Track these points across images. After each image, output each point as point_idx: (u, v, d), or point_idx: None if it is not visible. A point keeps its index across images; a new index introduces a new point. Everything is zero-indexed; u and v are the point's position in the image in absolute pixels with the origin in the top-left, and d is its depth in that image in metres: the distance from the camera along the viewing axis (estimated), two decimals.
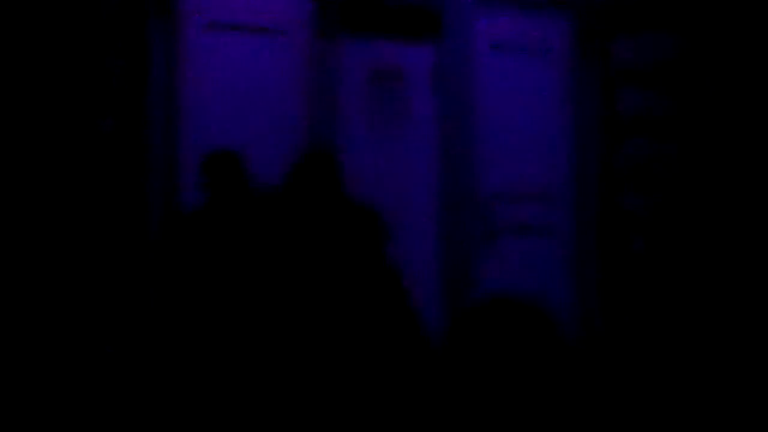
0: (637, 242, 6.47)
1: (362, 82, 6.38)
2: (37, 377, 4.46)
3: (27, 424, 4.16)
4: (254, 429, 3.60)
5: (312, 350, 3.59)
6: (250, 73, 6.18)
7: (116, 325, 5.01)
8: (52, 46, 5.28)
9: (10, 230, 4.92)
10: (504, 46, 6.70)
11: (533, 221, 6.73)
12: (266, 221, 4.53)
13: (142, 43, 5.78)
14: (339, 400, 3.04)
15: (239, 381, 3.85)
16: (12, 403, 4.23)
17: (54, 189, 5.19)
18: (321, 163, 4.74)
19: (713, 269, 6.05)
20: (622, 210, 6.65)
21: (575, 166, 6.86)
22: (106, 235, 5.30)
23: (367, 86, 6.40)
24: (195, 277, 4.58)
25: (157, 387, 4.40)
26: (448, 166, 6.48)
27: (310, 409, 3.42)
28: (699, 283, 6.07)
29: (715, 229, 6.13)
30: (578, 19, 6.85)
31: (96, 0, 5.49)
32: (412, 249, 6.26)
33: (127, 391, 4.52)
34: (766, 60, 6.26)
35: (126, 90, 5.76)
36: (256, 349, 3.93)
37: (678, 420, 4.87)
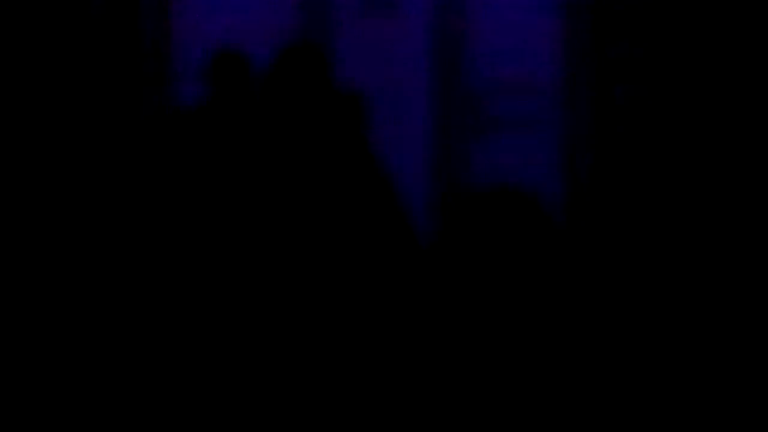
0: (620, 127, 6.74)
1: None
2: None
3: None
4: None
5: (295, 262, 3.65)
6: None
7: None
8: None
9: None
10: None
11: (526, 114, 6.89)
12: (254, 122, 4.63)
13: None
14: (327, 311, 3.09)
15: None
16: None
17: (42, 70, 5.27)
18: (302, 55, 4.83)
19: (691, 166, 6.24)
20: (614, 105, 6.88)
21: (567, 60, 6.99)
22: (98, 119, 5.40)
23: None
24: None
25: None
26: (438, 59, 6.74)
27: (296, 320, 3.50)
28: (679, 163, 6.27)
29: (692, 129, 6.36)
30: None
31: None
32: (403, 141, 6.56)
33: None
34: None
35: None
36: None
37: (655, 298, 5.05)
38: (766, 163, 6.14)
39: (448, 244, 1.93)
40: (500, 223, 1.86)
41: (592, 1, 6.97)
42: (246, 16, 6.35)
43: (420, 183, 6.60)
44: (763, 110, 6.18)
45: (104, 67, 5.67)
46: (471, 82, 6.78)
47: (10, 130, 5.05)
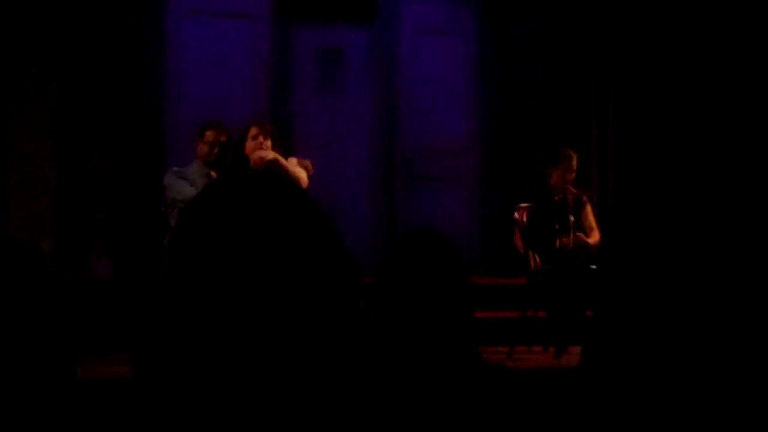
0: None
1: (311, 59, 7.86)
2: None
3: None
4: None
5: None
6: (221, 50, 7.71)
7: None
8: None
9: None
10: (426, 30, 8.11)
11: (447, 171, 8.12)
12: None
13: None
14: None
15: None
16: None
17: None
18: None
19: None
20: (514, 159, 8.15)
21: (481, 126, 8.25)
22: None
23: (315, 62, 7.89)
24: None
25: None
26: (379, 129, 7.92)
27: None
28: None
29: None
30: (483, 6, 8.27)
31: None
32: (352, 193, 7.77)
33: None
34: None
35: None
36: None
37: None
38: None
39: (381, 277, 2.15)
40: (423, 260, 2.13)
41: (497, 98, 8.21)
42: (225, 103, 7.45)
43: (365, 227, 7.75)
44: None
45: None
46: (406, 147, 7.96)
47: None
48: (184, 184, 5.89)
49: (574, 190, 6.67)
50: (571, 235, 6.20)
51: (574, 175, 6.55)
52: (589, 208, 6.55)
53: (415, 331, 2.19)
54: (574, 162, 6.55)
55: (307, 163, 5.89)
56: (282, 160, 5.71)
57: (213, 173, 6.03)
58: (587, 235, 6.35)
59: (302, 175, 5.76)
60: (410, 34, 8.10)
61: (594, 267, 5.82)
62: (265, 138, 5.81)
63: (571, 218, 6.28)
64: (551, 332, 5.95)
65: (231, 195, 1.18)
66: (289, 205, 1.18)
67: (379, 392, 2.10)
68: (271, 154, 5.67)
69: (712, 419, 1.11)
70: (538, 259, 6.26)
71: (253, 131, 5.84)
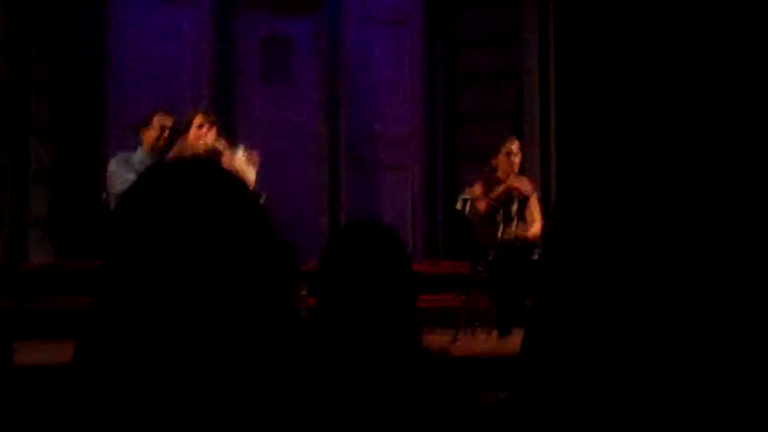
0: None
1: (257, 47, 7.84)
2: None
3: None
4: None
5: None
6: (164, 39, 7.65)
7: None
8: None
9: None
10: (371, 18, 8.13)
11: (393, 160, 8.16)
12: None
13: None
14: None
15: None
16: None
17: None
18: None
19: None
20: (458, 149, 8.27)
21: (424, 115, 8.26)
22: None
23: (261, 51, 7.87)
24: None
25: None
26: (326, 116, 7.91)
27: None
28: None
29: None
30: None
31: None
32: (298, 182, 7.77)
33: None
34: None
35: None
36: None
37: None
38: None
39: (322, 266, 2.17)
40: (364, 250, 2.14)
41: (442, 87, 8.26)
42: (168, 91, 7.38)
43: (311, 215, 7.78)
44: None
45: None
46: (351, 136, 7.97)
47: None
48: (129, 171, 5.83)
49: (519, 182, 6.72)
50: (514, 226, 6.27)
51: (517, 165, 6.60)
52: (533, 199, 6.61)
53: (356, 319, 2.20)
54: (517, 152, 6.60)
55: (254, 155, 5.88)
56: (230, 158, 5.68)
57: (157, 160, 5.99)
58: (529, 225, 6.42)
59: (251, 176, 5.76)
60: (356, 24, 8.10)
61: (535, 257, 5.91)
62: (210, 127, 5.79)
63: (514, 209, 6.35)
64: (494, 317, 6.04)
65: (165, 181, 1.19)
66: (221, 191, 1.19)
67: (320, 379, 2.09)
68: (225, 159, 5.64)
69: (650, 406, 1.13)
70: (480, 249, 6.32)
71: (198, 120, 5.81)
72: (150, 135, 5.97)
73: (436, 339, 5.55)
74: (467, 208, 6.43)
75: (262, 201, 5.79)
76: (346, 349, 2.21)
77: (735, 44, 7.54)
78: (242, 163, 5.74)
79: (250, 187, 5.56)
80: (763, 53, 7.39)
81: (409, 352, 2.29)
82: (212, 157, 5.65)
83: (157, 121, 6.01)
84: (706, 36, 7.69)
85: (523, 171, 6.80)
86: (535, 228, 6.36)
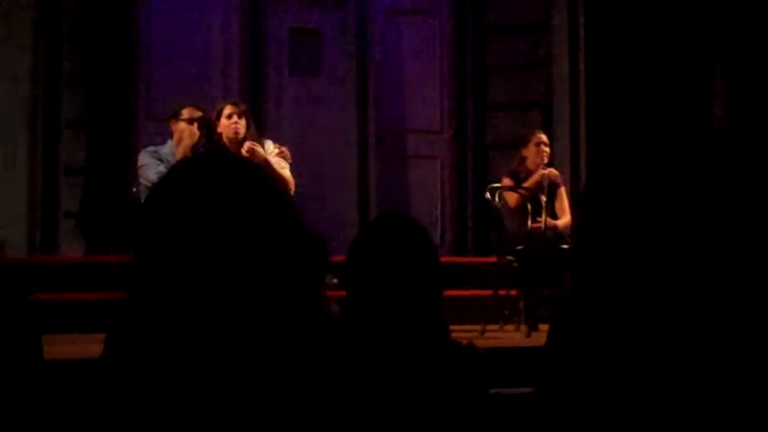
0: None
1: (286, 40, 7.86)
2: None
3: None
4: None
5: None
6: (194, 30, 7.69)
7: None
8: None
9: None
10: (399, 10, 8.16)
11: (422, 151, 8.20)
12: None
13: None
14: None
15: None
16: None
17: None
18: None
19: None
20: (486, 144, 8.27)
21: (454, 105, 8.25)
22: None
23: (290, 43, 7.89)
24: None
25: None
26: (356, 109, 7.88)
27: None
28: None
29: None
30: None
31: None
32: (328, 174, 7.78)
33: None
34: None
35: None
36: None
37: None
38: None
39: (351, 259, 2.22)
40: (388, 241, 2.19)
41: (471, 79, 8.20)
42: (199, 82, 7.48)
43: (341, 206, 7.79)
44: None
45: None
46: (380, 127, 7.94)
47: None
48: (160, 165, 5.86)
49: (549, 172, 6.70)
50: (543, 217, 6.24)
51: (547, 156, 6.58)
52: (562, 190, 6.59)
53: (383, 310, 2.22)
54: (545, 143, 6.58)
55: (285, 150, 5.87)
56: (265, 156, 5.67)
57: (188, 153, 6.00)
58: (559, 217, 6.41)
59: (287, 174, 5.76)
60: (383, 15, 8.08)
61: (565, 247, 5.87)
62: (240, 117, 5.80)
63: (544, 199, 6.32)
64: (524, 310, 6.01)
65: (194, 174, 1.20)
66: (250, 185, 1.19)
67: (351, 371, 2.14)
68: (259, 153, 5.64)
69: (676, 402, 1.12)
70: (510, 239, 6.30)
71: (228, 110, 5.82)
72: (180, 127, 6.02)
73: (464, 334, 5.60)
74: (496, 198, 6.41)
75: (291, 193, 5.84)
76: (375, 341, 2.24)
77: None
78: (283, 172, 5.74)
79: (286, 183, 5.65)
80: None
81: (437, 344, 2.31)
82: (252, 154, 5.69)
83: (187, 113, 6.04)
84: (738, 22, 7.62)
85: (551, 163, 6.76)
86: (566, 218, 6.35)
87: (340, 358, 2.23)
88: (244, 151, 5.62)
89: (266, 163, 5.56)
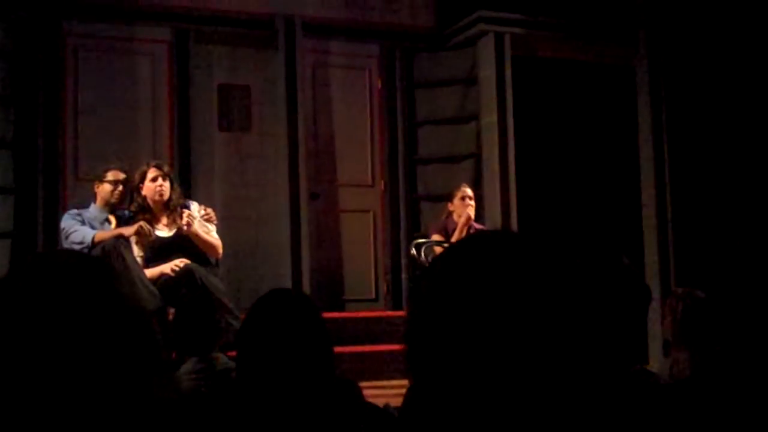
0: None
1: (215, 95, 7.82)
2: None
3: None
4: None
5: None
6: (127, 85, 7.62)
7: None
8: None
9: None
10: (327, 64, 8.19)
11: (356, 204, 8.22)
12: None
13: None
14: None
15: None
16: None
17: None
18: None
19: None
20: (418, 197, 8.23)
21: (387, 158, 8.31)
22: None
23: (219, 99, 7.83)
24: None
25: None
26: (287, 164, 7.67)
27: None
28: None
29: None
30: (389, 43, 8.34)
31: None
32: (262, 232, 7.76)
33: None
34: None
35: None
36: None
37: None
38: None
39: (244, 331, 2.34)
40: (275, 320, 2.31)
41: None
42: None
43: (284, 259, 7.75)
44: None
45: None
46: (314, 181, 7.89)
47: None
48: (84, 227, 5.81)
49: (477, 226, 6.75)
50: None
51: (472, 210, 6.62)
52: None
53: (275, 376, 2.26)
54: (470, 197, 6.63)
55: (210, 212, 5.89)
56: (196, 232, 5.68)
57: (111, 217, 5.96)
58: None
59: (214, 237, 5.79)
60: (312, 68, 8.13)
61: None
62: (164, 180, 5.80)
63: None
64: None
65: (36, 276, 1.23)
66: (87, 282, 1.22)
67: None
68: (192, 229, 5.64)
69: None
70: None
71: (152, 173, 5.81)
72: (104, 188, 5.98)
73: (392, 390, 5.57)
74: (422, 254, 6.42)
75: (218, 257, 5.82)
76: (267, 406, 2.24)
77: None
78: (199, 221, 5.73)
79: (214, 245, 5.72)
80: None
81: (338, 407, 2.33)
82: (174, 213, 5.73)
83: (111, 175, 6.01)
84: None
85: (480, 216, 6.80)
86: None
87: (237, 420, 2.25)
88: (183, 222, 5.63)
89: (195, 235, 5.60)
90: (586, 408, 1.07)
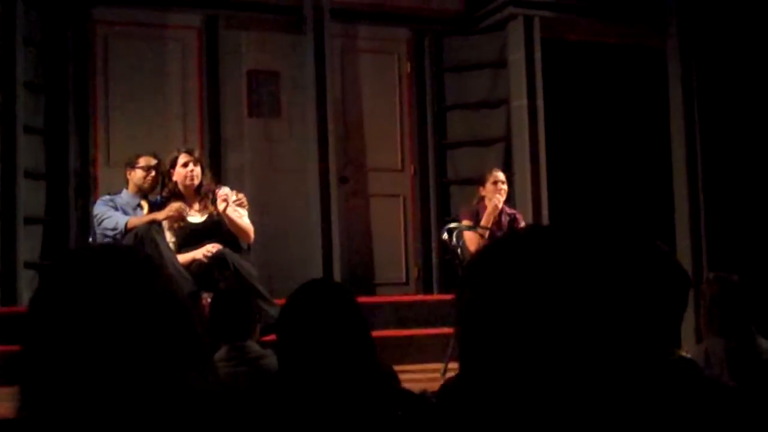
0: None
1: (244, 81, 7.82)
2: None
3: None
4: None
5: None
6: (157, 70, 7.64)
7: None
8: None
9: None
10: (356, 48, 8.17)
11: (386, 189, 8.20)
12: None
13: None
14: None
15: None
16: None
17: None
18: None
19: None
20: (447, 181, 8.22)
21: (417, 143, 8.30)
22: None
23: (248, 85, 7.83)
24: None
25: None
26: (317, 148, 7.62)
27: None
28: None
29: None
30: (418, 27, 8.32)
31: None
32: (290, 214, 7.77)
33: None
34: None
35: None
36: None
37: None
38: None
39: (281, 326, 2.34)
40: (314, 308, 2.33)
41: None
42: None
43: (315, 244, 7.75)
44: None
45: None
46: (343, 165, 7.92)
47: None
48: (117, 213, 5.84)
49: (509, 210, 6.73)
50: None
51: (504, 194, 6.60)
52: (522, 227, 6.59)
53: (316, 366, 2.26)
54: (502, 181, 6.61)
55: (242, 197, 5.85)
56: (230, 215, 5.67)
57: (144, 202, 5.99)
58: None
59: (246, 222, 5.77)
60: (341, 53, 8.11)
61: None
62: (195, 165, 5.81)
63: None
64: None
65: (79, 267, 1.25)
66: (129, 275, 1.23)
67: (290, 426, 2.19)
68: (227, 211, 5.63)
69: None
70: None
71: (183, 158, 5.82)
72: (137, 174, 6.01)
73: (426, 374, 5.58)
74: (453, 239, 6.40)
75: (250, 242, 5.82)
76: (311, 398, 2.24)
77: None
78: (231, 207, 5.73)
79: (247, 229, 5.72)
80: None
81: (377, 396, 2.33)
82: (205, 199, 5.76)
83: (143, 161, 6.04)
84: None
85: (511, 200, 6.79)
86: None
87: (278, 412, 2.25)
88: (220, 199, 5.63)
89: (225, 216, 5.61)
90: (637, 400, 1.06)
